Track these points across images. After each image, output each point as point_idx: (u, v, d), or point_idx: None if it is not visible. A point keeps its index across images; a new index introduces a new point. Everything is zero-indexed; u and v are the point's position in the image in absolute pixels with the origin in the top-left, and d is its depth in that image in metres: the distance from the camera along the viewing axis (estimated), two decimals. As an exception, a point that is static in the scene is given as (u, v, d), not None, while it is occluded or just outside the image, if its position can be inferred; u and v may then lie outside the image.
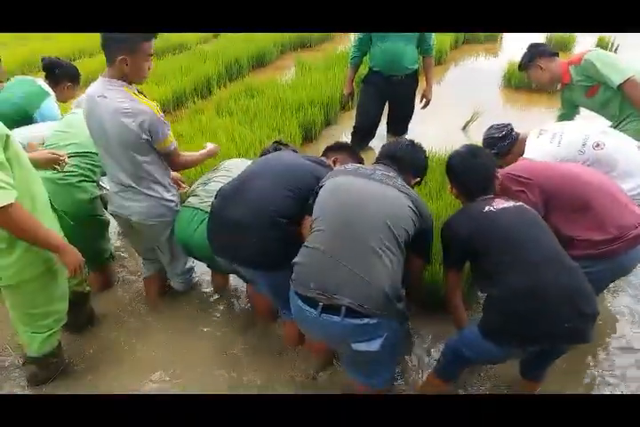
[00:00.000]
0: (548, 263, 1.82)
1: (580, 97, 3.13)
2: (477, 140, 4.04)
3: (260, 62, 6.51)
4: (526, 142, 2.64)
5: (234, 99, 5.02)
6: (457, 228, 2.03)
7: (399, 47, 3.91)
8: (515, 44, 6.37)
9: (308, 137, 4.59)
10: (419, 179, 2.26)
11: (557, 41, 6.55)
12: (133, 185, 2.31)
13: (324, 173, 2.24)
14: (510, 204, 2.01)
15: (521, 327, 1.77)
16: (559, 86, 3.24)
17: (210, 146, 2.66)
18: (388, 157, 2.18)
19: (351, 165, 2.13)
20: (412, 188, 2.16)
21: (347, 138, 4.56)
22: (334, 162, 2.47)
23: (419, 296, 2.48)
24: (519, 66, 3.25)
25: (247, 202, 2.15)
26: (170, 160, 2.34)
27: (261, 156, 2.66)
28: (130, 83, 2.15)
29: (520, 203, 2.04)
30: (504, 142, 2.72)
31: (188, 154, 2.46)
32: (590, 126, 2.59)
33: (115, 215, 2.48)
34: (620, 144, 2.48)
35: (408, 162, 2.17)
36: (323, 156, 2.56)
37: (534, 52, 3.16)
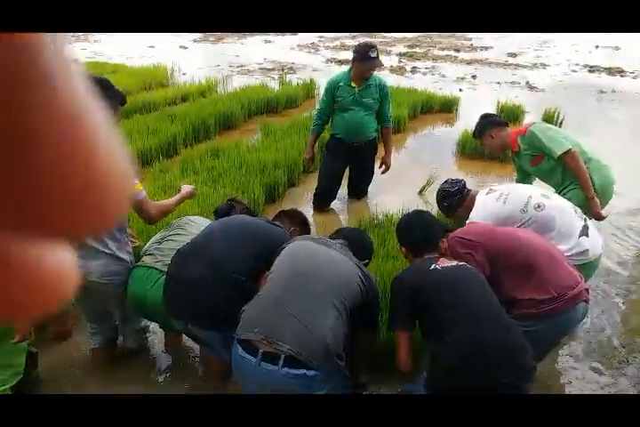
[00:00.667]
0: (489, 321, 1.90)
1: (526, 165, 3.35)
2: (433, 203, 4.22)
3: (226, 125, 6.70)
4: (476, 198, 2.81)
5: (199, 159, 5.12)
6: (405, 283, 2.12)
7: (360, 116, 4.14)
8: (468, 114, 6.77)
9: (271, 198, 4.68)
10: (367, 260, 2.42)
11: (507, 111, 6.99)
12: (90, 242, 2.27)
13: (282, 233, 2.33)
14: (453, 263, 2.12)
15: (464, 385, 1.81)
16: (510, 154, 3.47)
17: (186, 188, 2.66)
18: (341, 237, 2.35)
19: (315, 235, 2.32)
20: None
21: (308, 199, 4.68)
22: (292, 233, 2.55)
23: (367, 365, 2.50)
24: (473, 134, 3.50)
25: (205, 261, 2.18)
26: (142, 210, 2.29)
27: (215, 213, 2.72)
28: None
29: (463, 263, 2.14)
30: (456, 197, 2.91)
31: (160, 202, 2.46)
32: (534, 189, 2.80)
33: None
34: (559, 207, 2.67)
35: (356, 243, 2.33)
36: (276, 217, 2.64)
37: (485, 123, 3.40)
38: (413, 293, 2.06)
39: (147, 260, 2.48)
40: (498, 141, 3.33)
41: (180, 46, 13.40)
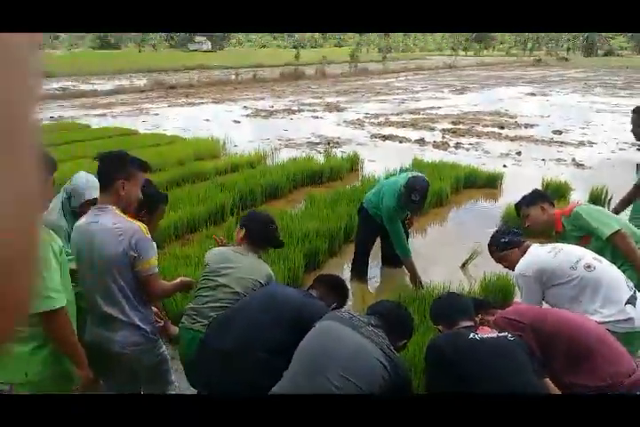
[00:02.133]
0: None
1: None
2: (476, 276, 4.14)
3: (272, 195, 6.92)
4: (529, 249, 2.84)
5: (244, 227, 5.27)
6: (440, 353, 2.10)
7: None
8: (513, 190, 6.76)
9: (312, 266, 4.72)
10: (405, 341, 2.33)
11: (553, 188, 6.94)
12: (110, 312, 2.27)
13: (317, 308, 2.35)
14: (494, 334, 2.08)
15: None
16: (554, 234, 3.41)
17: (185, 279, 2.61)
18: (376, 313, 2.28)
19: (348, 314, 2.24)
20: (398, 350, 2.22)
21: (349, 268, 4.70)
22: (335, 309, 2.51)
23: None
24: (520, 202, 3.39)
25: (234, 337, 2.21)
26: (149, 286, 2.30)
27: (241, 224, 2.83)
28: (122, 210, 2.28)
29: (504, 333, 2.09)
30: (516, 237, 2.95)
31: (166, 283, 2.46)
32: (587, 251, 2.79)
33: (89, 348, 2.29)
34: (610, 271, 2.65)
35: (391, 321, 2.24)
36: (314, 283, 2.67)
37: (539, 195, 3.41)
38: (450, 361, 2.03)
39: (185, 321, 2.57)
40: (545, 217, 3.27)
41: (234, 120, 14.18)
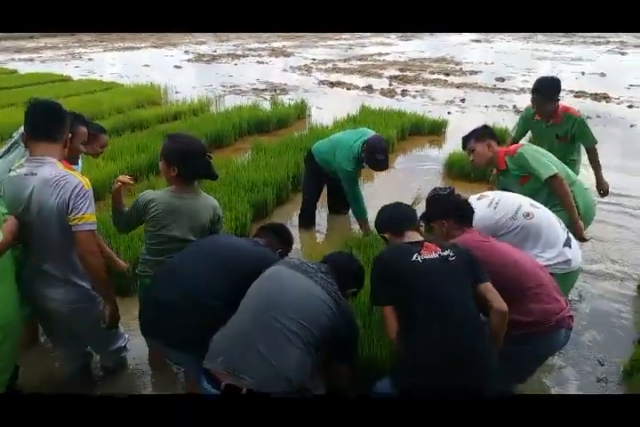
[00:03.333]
0: (462, 326, 1.98)
1: (513, 184, 3.38)
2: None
3: (218, 143, 6.75)
4: None
5: (189, 176, 5.15)
6: (385, 268, 2.18)
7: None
8: (456, 137, 6.86)
9: (260, 214, 4.72)
10: (354, 289, 2.37)
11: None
12: (47, 269, 2.23)
13: (264, 256, 2.34)
14: (436, 255, 2.15)
15: (428, 382, 1.91)
16: (494, 171, 3.50)
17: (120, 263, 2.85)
18: (328, 262, 2.31)
19: (298, 260, 2.26)
20: (347, 297, 2.29)
21: (297, 217, 4.72)
22: (280, 255, 2.51)
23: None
24: (469, 136, 3.41)
25: (180, 286, 2.18)
26: (79, 242, 2.14)
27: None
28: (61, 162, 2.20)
29: (446, 253, 2.16)
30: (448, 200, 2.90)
31: (102, 244, 2.48)
32: (523, 198, 2.87)
33: (29, 303, 2.35)
34: (546, 216, 2.77)
35: (341, 269, 2.28)
36: (259, 233, 2.64)
37: (487, 132, 3.42)
38: (391, 280, 2.11)
39: (149, 269, 2.54)
40: (490, 154, 3.32)
41: (175, 66, 13.55)
